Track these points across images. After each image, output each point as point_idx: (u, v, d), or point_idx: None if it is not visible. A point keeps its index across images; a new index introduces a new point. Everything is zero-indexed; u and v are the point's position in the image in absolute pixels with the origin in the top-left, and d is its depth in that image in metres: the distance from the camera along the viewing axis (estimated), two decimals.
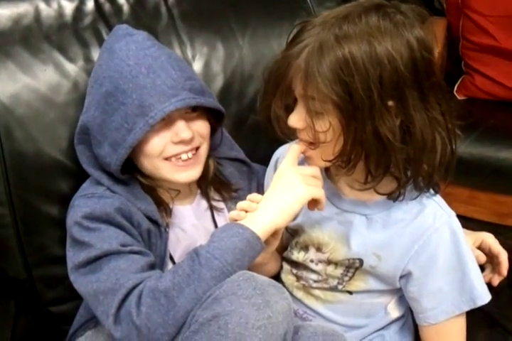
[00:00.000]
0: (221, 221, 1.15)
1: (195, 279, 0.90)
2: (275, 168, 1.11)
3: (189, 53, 1.25)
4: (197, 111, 1.06)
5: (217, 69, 1.27)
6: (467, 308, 0.99)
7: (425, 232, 0.96)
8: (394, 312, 1.07)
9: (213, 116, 1.10)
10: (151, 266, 0.99)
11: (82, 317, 1.11)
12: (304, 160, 0.99)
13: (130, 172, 1.06)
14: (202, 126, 1.06)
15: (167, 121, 1.02)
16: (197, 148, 1.06)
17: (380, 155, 0.87)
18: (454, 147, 0.92)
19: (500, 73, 2.18)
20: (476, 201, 1.98)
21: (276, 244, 1.02)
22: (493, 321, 1.06)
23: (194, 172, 1.07)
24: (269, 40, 1.30)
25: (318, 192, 0.95)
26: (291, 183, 0.95)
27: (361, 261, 1.00)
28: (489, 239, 1.08)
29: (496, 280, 1.07)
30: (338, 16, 0.86)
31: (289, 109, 0.93)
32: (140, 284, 0.93)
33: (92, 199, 1.03)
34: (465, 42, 2.26)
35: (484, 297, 0.98)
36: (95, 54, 1.19)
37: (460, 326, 1.02)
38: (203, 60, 1.26)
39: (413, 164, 0.90)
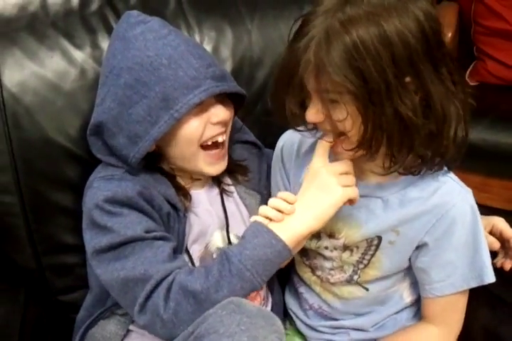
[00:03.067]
0: (230, 206, 1.13)
1: (224, 287, 0.90)
2: (281, 156, 1.10)
3: (197, 38, 1.23)
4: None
5: (226, 54, 1.25)
6: (475, 284, 0.99)
7: (444, 207, 0.95)
8: (408, 297, 1.07)
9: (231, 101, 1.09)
10: (175, 251, 0.99)
11: (94, 308, 1.09)
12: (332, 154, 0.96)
13: (149, 165, 1.04)
14: (230, 112, 1.06)
15: (203, 106, 1.01)
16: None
17: (403, 136, 0.86)
18: (466, 118, 0.90)
19: None
20: (488, 188, 1.97)
21: (302, 245, 0.99)
22: (502, 302, 1.05)
23: (223, 165, 1.07)
24: (277, 23, 1.27)
25: (353, 192, 0.93)
26: (326, 186, 0.92)
27: (380, 238, 0.99)
28: (500, 224, 1.07)
29: (508, 265, 1.06)
30: (340, 1, 0.83)
31: (304, 106, 0.91)
32: (169, 276, 0.93)
33: (112, 182, 1.01)
34: (477, 26, 2.24)
35: (491, 276, 0.98)
36: (102, 40, 1.17)
37: (463, 302, 1.02)
38: (212, 45, 1.24)
39: (435, 139, 0.88)
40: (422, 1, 0.84)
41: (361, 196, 0.98)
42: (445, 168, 0.97)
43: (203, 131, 1.01)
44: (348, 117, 0.85)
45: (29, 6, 1.16)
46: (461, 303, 1.02)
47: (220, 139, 1.04)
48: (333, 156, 0.95)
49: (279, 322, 0.88)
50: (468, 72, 2.24)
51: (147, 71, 0.98)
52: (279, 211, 0.93)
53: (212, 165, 1.05)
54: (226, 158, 1.08)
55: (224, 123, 1.04)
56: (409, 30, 0.81)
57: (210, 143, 1.03)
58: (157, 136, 0.98)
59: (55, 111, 1.13)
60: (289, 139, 1.08)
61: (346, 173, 0.93)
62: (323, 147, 0.94)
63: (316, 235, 1.04)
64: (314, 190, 0.93)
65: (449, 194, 0.95)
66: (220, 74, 1.03)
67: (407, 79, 0.83)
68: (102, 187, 1.00)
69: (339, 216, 0.99)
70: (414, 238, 0.97)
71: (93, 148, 1.06)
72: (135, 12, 1.06)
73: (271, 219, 0.93)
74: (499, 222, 1.07)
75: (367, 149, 0.87)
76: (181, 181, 1.08)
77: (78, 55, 1.16)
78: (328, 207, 0.92)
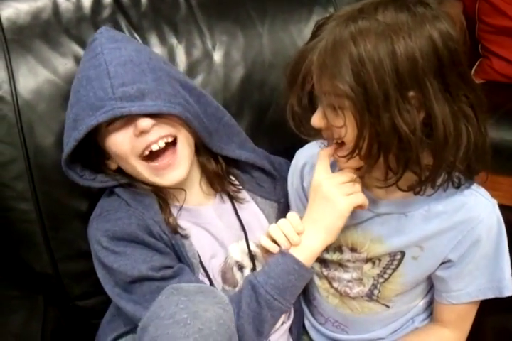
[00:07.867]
0: (247, 217, 1.11)
1: (256, 318, 0.94)
2: (301, 174, 1.09)
3: (209, 43, 1.24)
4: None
5: (238, 58, 1.25)
6: (492, 296, 0.99)
7: (470, 223, 0.94)
8: (421, 301, 1.08)
9: None
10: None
11: (122, 325, 1.08)
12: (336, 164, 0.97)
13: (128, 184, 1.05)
14: (171, 117, 0.99)
15: (129, 118, 0.97)
16: (174, 142, 1.00)
17: (400, 150, 0.84)
18: (485, 139, 0.88)
19: None
20: (498, 185, 1.93)
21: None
22: None
23: (177, 173, 1.01)
24: (288, 26, 1.28)
25: (357, 199, 0.94)
26: (329, 199, 0.93)
27: (403, 253, 0.99)
28: None
29: None
30: (355, 9, 0.84)
31: (313, 110, 0.91)
32: None
33: (108, 220, 1.01)
34: (481, 24, 2.24)
35: (511, 289, 0.98)
36: None
37: (475, 310, 1.03)
38: (223, 50, 1.24)
39: (434, 159, 0.86)
40: (442, 22, 0.83)
41: (384, 214, 0.98)
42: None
43: (130, 144, 0.98)
44: (345, 123, 0.85)
45: (42, 13, 1.17)
46: (475, 310, 1.03)
47: (154, 147, 0.98)
48: (338, 167, 0.96)
49: (221, 294, 0.89)
50: (473, 71, 2.24)
51: (73, 93, 1.02)
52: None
53: (160, 175, 1.00)
54: (180, 165, 1.01)
55: (149, 130, 0.97)
56: (419, 49, 0.80)
57: (147, 152, 0.99)
58: (64, 156, 0.99)
59: None
60: (311, 158, 1.05)
61: (349, 182, 0.93)
62: (323, 158, 0.95)
63: (338, 249, 1.04)
64: (319, 203, 0.94)
65: (475, 209, 0.94)
66: (136, 93, 0.96)
67: (411, 93, 0.82)
68: (100, 227, 1.01)
69: (359, 231, 1.00)
70: (439, 254, 0.97)
71: None
72: (103, 28, 1.07)
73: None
74: None
75: (364, 159, 0.87)
76: (173, 199, 1.06)
77: None
78: (336, 219, 0.94)
